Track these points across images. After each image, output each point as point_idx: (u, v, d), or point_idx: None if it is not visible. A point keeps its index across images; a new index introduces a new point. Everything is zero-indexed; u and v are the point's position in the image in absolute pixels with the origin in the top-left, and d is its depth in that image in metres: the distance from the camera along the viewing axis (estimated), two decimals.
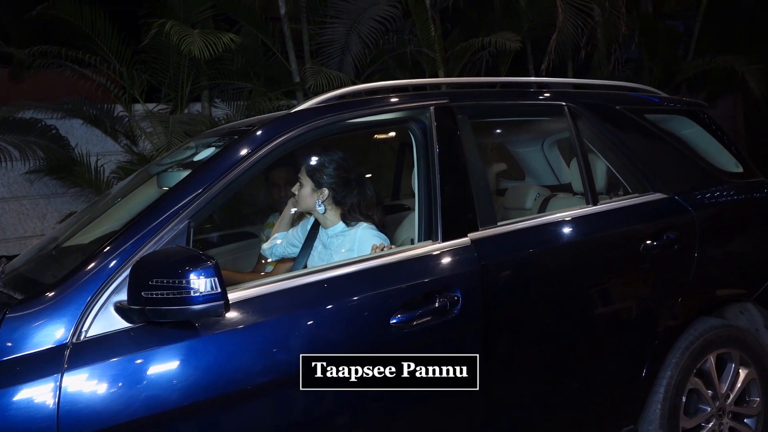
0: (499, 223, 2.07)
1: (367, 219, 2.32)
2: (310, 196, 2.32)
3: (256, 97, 5.26)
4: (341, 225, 2.34)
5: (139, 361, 1.48)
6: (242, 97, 5.69)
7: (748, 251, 2.61)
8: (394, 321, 1.76)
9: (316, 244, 2.45)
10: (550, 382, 2.11)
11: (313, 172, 2.31)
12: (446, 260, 1.92)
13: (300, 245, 2.53)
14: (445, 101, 2.11)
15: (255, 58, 5.88)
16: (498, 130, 3.58)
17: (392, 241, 2.28)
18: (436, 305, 1.82)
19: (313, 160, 2.32)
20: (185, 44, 4.33)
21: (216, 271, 1.45)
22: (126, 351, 1.48)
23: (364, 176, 2.38)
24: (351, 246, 2.26)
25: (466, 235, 1.96)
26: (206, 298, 1.44)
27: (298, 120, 1.88)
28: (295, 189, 2.37)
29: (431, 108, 2.07)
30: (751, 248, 2.62)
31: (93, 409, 1.41)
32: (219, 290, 1.45)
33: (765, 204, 2.74)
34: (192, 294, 1.43)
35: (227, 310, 1.49)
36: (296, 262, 2.52)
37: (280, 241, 2.62)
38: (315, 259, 2.41)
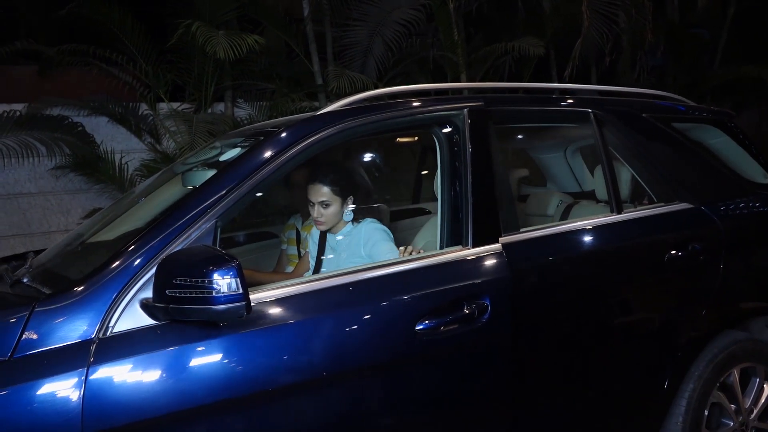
0: (522, 229, 2.05)
1: (371, 213, 2.40)
2: (339, 210, 2.34)
3: (279, 98, 5.30)
4: (348, 226, 2.37)
5: (164, 358, 1.49)
6: (265, 97, 5.74)
7: None
8: (420, 327, 1.74)
9: (327, 250, 2.47)
10: (573, 391, 2.09)
11: (338, 188, 2.31)
12: (477, 266, 1.89)
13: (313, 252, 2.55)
14: (480, 104, 2.11)
15: (278, 59, 5.93)
16: (521, 136, 3.57)
17: (410, 245, 2.27)
18: (465, 312, 1.80)
19: (333, 176, 2.32)
20: (210, 45, 4.38)
21: (239, 272, 1.45)
22: (151, 348, 1.49)
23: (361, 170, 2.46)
24: (357, 243, 2.29)
25: (497, 241, 1.95)
26: (228, 298, 1.44)
27: (324, 122, 1.88)
28: (317, 214, 2.33)
29: (465, 110, 2.07)
30: None
31: (118, 404, 1.43)
32: (240, 291, 1.45)
33: None
34: (214, 294, 1.44)
35: (249, 312, 1.48)
36: (312, 269, 2.54)
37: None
38: (327, 264, 2.42)
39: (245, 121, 5.37)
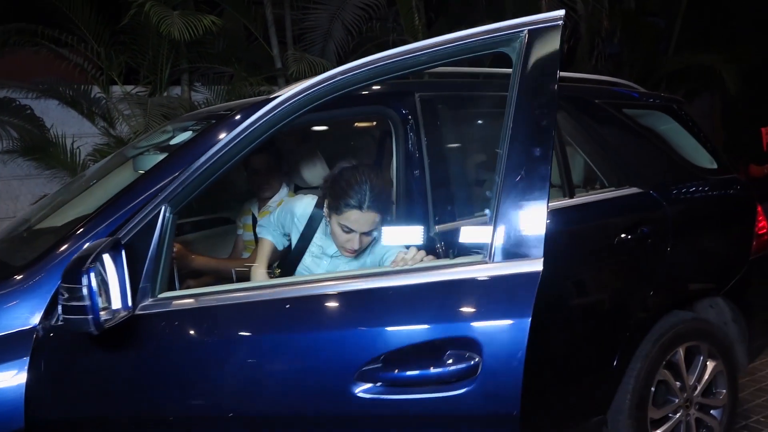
0: (476, 214, 2.07)
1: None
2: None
3: (237, 82, 5.21)
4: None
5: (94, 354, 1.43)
6: (223, 81, 5.63)
7: (718, 247, 2.66)
8: (360, 389, 1.28)
9: (314, 249, 2.12)
10: (529, 372, 2.09)
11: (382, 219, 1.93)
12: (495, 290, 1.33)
13: (292, 240, 2.20)
14: (431, 91, 2.12)
15: (236, 42, 5.82)
16: (479, 122, 3.59)
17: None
18: (439, 368, 1.28)
19: (383, 202, 1.92)
20: (165, 25, 4.26)
21: (91, 279, 1.22)
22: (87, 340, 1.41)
23: None
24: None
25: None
26: (77, 309, 1.24)
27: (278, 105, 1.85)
28: (357, 245, 1.88)
29: (416, 96, 2.08)
30: (722, 244, 2.67)
31: (60, 395, 1.40)
32: (86, 303, 1.22)
33: (737, 201, 2.80)
34: (62, 302, 1.27)
35: (98, 329, 1.25)
36: (286, 260, 2.21)
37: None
38: (308, 264, 2.13)
39: (202, 105, 5.27)
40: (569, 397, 2.25)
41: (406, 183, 2.04)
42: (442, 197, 2.05)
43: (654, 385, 2.32)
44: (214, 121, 1.89)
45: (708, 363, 2.49)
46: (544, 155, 1.26)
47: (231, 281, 2.57)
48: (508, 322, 1.25)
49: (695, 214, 2.61)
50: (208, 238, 3.24)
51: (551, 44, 1.36)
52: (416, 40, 5.73)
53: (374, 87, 2.17)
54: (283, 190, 2.93)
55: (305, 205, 2.16)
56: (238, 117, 1.81)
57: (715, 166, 2.79)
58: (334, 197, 1.89)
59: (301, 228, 2.15)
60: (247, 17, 5.62)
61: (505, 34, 1.39)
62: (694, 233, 2.57)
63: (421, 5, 6.17)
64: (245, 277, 2.28)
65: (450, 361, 1.24)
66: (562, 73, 2.74)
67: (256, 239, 2.90)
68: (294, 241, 2.18)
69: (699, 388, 2.45)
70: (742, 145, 4.87)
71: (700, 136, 2.86)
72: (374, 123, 3.28)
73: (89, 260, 1.24)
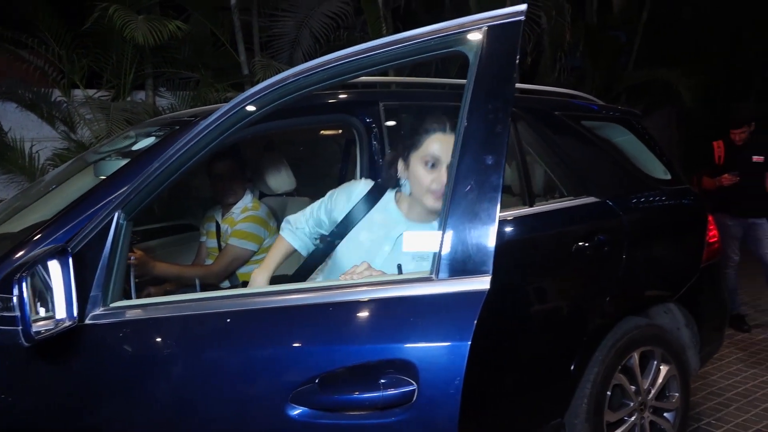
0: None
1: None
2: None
3: (203, 88, 5.17)
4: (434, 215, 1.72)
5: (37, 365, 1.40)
6: (189, 87, 5.59)
7: (672, 254, 2.74)
8: (295, 413, 1.21)
9: (363, 238, 1.77)
10: (492, 378, 2.10)
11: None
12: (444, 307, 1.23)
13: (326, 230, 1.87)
14: (396, 100, 2.15)
15: (203, 48, 5.78)
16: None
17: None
18: (374, 393, 1.20)
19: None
20: (129, 30, 4.22)
21: (21, 288, 1.17)
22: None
23: None
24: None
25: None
26: (8, 320, 1.20)
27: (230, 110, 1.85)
28: (444, 177, 1.60)
29: (381, 105, 2.11)
30: (675, 252, 2.76)
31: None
32: (16, 313, 1.17)
33: (689, 210, 2.90)
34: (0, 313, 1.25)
35: (29, 341, 1.19)
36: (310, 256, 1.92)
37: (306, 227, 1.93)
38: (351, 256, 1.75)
39: (167, 111, 5.22)
40: (528, 400, 2.29)
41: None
42: None
43: (610, 390, 2.37)
44: (177, 127, 1.88)
45: (661, 367, 2.56)
46: (496, 163, 1.17)
47: (194, 288, 2.56)
48: (446, 344, 1.15)
49: (650, 223, 2.69)
50: (171, 244, 3.22)
51: (511, 42, 1.27)
52: None
53: (339, 95, 2.20)
54: (247, 197, 2.92)
55: (364, 184, 1.86)
56: (201, 124, 1.81)
57: (668, 177, 2.88)
58: (413, 133, 1.69)
59: (349, 209, 1.82)
60: (214, 23, 5.60)
61: (463, 31, 1.31)
62: (649, 241, 2.65)
63: (389, 15, 6.24)
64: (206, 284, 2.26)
65: (386, 386, 1.17)
66: (524, 86, 2.84)
67: (220, 246, 2.90)
68: (336, 224, 1.83)
69: (653, 391, 2.52)
70: (699, 158, 5.04)
71: (654, 148, 2.95)
72: (340, 131, 3.31)
73: (23, 269, 1.21)
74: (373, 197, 1.79)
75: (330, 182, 3.80)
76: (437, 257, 1.19)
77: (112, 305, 1.44)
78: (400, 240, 1.67)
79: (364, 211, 1.76)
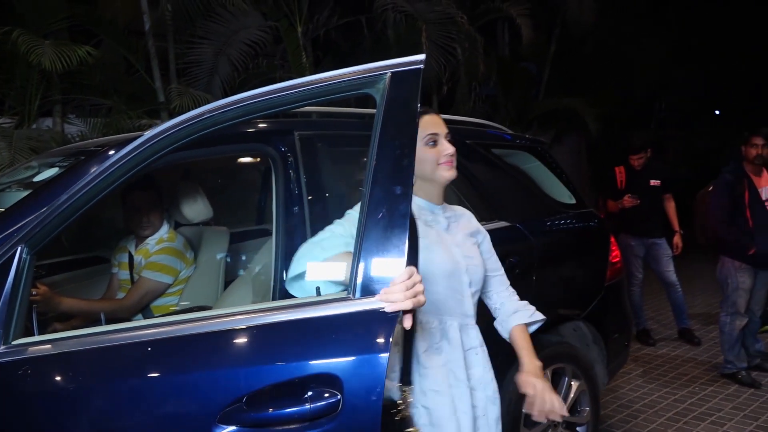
0: None
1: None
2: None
3: (116, 115, 5.01)
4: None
5: None
6: (100, 114, 5.39)
7: (578, 274, 2.90)
8: (229, 419, 1.24)
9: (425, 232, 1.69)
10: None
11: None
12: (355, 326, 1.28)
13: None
14: (309, 129, 2.18)
15: (116, 73, 5.61)
16: (360, 160, 3.70)
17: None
18: (301, 406, 1.25)
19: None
20: (35, 55, 4.04)
21: None
22: None
23: None
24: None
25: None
26: None
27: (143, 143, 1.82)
28: (453, 150, 1.71)
29: (296, 133, 2.13)
30: (581, 271, 2.93)
31: None
32: None
33: (593, 232, 3.08)
34: None
35: None
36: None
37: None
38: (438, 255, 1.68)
39: (76, 138, 5.00)
40: None
41: (286, 220, 2.07)
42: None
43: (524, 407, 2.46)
44: (83, 158, 1.82)
45: (572, 383, 2.69)
46: (404, 193, 1.27)
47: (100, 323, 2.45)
48: (367, 357, 1.23)
49: (557, 245, 2.85)
50: (80, 278, 3.07)
51: (412, 87, 1.38)
52: (303, 77, 5.84)
53: (255, 124, 2.20)
54: (164, 228, 2.85)
55: None
56: (110, 153, 1.77)
57: (573, 201, 3.06)
58: None
59: None
60: (128, 48, 5.46)
61: (369, 76, 1.42)
62: (557, 262, 2.80)
63: (309, 44, 6.31)
64: (115, 318, 2.18)
65: (312, 399, 1.24)
66: (440, 116, 2.94)
67: (132, 278, 2.80)
68: None
69: (565, 407, 2.63)
70: (604, 182, 5.35)
71: (560, 174, 3.13)
72: (258, 159, 3.29)
73: None
74: None
75: (248, 211, 3.77)
76: (354, 279, 1.26)
77: (14, 343, 1.38)
78: (449, 225, 1.74)
79: (412, 218, 1.72)
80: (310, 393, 1.24)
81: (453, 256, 1.69)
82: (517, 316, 1.83)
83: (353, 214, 1.70)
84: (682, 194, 5.35)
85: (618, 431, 3.44)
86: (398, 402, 1.49)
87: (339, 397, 1.23)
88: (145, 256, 2.77)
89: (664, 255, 4.95)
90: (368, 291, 1.25)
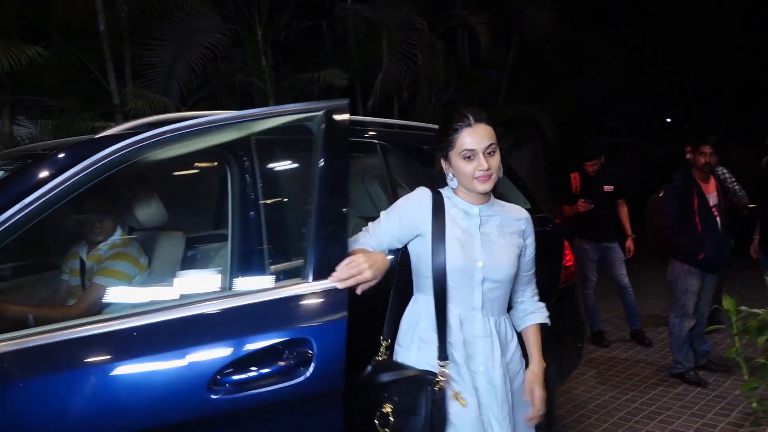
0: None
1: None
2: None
3: (69, 117, 4.89)
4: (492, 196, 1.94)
5: None
6: (53, 115, 5.25)
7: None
8: (217, 387, 1.52)
9: (458, 235, 1.82)
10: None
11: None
12: (310, 305, 1.66)
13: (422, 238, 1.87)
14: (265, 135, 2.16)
15: (69, 74, 5.48)
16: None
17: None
18: (282, 364, 1.57)
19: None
20: None
21: None
22: None
23: None
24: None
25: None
26: None
27: (103, 146, 1.79)
28: (487, 166, 1.76)
29: (252, 139, 2.11)
30: (536, 275, 2.97)
31: None
32: None
33: (547, 236, 3.14)
34: None
35: None
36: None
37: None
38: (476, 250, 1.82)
39: (26, 141, 4.87)
40: None
41: (241, 224, 2.06)
42: (278, 238, 2.09)
43: None
44: (30, 161, 1.78)
45: None
46: (341, 203, 1.65)
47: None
48: (331, 320, 1.62)
49: None
50: (31, 285, 2.97)
51: (342, 122, 1.73)
52: (263, 81, 5.81)
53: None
54: (117, 233, 2.79)
55: (425, 192, 1.90)
56: (60, 156, 1.73)
57: (528, 206, 3.11)
58: (442, 135, 1.82)
59: (429, 216, 1.86)
60: (81, 49, 5.34)
61: (308, 114, 1.76)
62: None
63: (269, 48, 6.27)
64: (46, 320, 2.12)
65: (291, 357, 1.59)
66: (396, 121, 2.97)
67: (84, 285, 2.73)
68: (430, 234, 1.83)
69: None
70: (560, 187, 5.48)
71: (515, 179, 3.19)
72: (215, 163, 3.26)
73: None
74: (439, 200, 1.88)
75: (205, 216, 3.72)
76: (307, 266, 1.66)
77: None
78: (481, 224, 1.86)
79: (440, 215, 1.85)
80: (288, 353, 1.59)
81: (469, 254, 1.81)
82: (534, 316, 1.99)
83: (401, 208, 1.90)
84: (635, 199, 5.51)
85: (572, 431, 3.52)
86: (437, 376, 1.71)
87: (312, 353, 1.60)
88: (98, 262, 2.70)
89: (617, 259, 5.09)
90: (319, 275, 1.64)
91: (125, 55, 5.52)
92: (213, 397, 1.51)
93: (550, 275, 3.05)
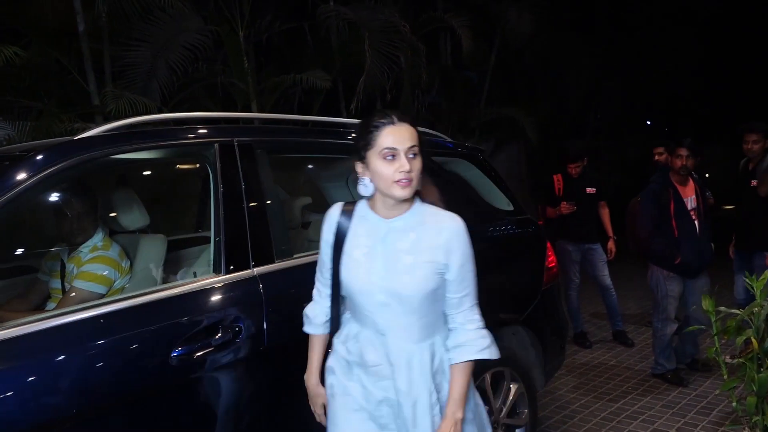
0: (295, 255, 2.13)
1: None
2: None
3: (47, 118, 4.81)
4: (418, 204, 1.75)
5: None
6: (31, 117, 5.16)
7: (516, 279, 2.97)
8: (176, 354, 1.83)
9: (357, 255, 1.74)
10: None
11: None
12: (230, 293, 2.01)
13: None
14: (228, 138, 2.16)
15: (47, 75, 5.39)
16: (310, 166, 3.68)
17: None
18: (218, 336, 1.91)
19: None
20: None
21: None
22: None
23: None
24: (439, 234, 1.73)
25: (250, 268, 2.07)
26: None
27: (80, 148, 1.77)
28: (408, 167, 1.62)
29: (216, 145, 2.11)
30: (519, 277, 3.00)
31: None
32: None
33: (530, 238, 3.16)
34: None
35: None
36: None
37: None
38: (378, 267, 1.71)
39: (3, 143, 4.78)
40: None
41: (224, 227, 2.04)
42: (261, 239, 2.08)
43: None
44: (7, 163, 1.75)
45: (511, 386, 2.74)
46: (241, 222, 2.06)
47: None
48: (251, 303, 2.02)
49: (497, 250, 2.90)
50: (7, 288, 2.92)
51: (232, 155, 2.13)
52: (245, 83, 5.77)
53: (195, 130, 2.16)
54: (98, 235, 2.74)
55: (337, 206, 1.84)
56: (38, 158, 1.71)
57: (511, 208, 3.13)
58: (362, 135, 1.66)
59: (333, 234, 1.80)
60: (60, 49, 5.26)
61: (203, 146, 2.14)
62: (497, 268, 2.85)
63: (251, 49, 6.24)
64: None
65: (228, 330, 1.94)
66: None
67: (64, 288, 2.68)
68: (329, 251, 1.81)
69: (504, 410, 2.69)
70: (543, 189, 5.51)
71: (498, 181, 3.20)
72: (197, 165, 3.23)
73: None
74: (347, 216, 1.78)
75: (188, 218, 3.68)
76: (219, 262, 2.04)
77: None
78: (389, 240, 1.70)
79: (343, 233, 1.77)
80: (225, 328, 1.94)
81: (368, 275, 1.69)
82: (460, 351, 1.73)
83: (322, 230, 1.83)
84: (616, 201, 5.57)
85: (556, 431, 3.54)
86: None
87: (242, 326, 1.96)
88: (78, 265, 2.65)
89: (599, 260, 5.13)
90: (229, 270, 2.03)
91: (105, 56, 5.44)
92: (172, 363, 1.81)
93: (533, 277, 3.07)
